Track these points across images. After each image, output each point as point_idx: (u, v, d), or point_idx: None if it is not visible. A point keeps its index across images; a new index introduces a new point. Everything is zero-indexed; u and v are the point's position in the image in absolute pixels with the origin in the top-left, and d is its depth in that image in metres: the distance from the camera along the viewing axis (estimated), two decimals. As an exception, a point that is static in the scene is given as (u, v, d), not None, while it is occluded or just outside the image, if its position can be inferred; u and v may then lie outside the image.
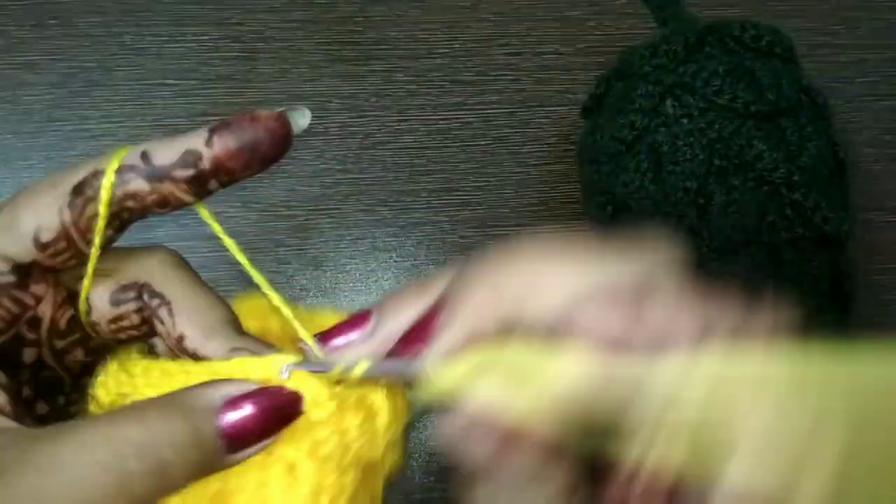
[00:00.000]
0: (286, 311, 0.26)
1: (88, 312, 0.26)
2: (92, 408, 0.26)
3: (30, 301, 0.25)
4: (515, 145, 0.48)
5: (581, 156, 0.45)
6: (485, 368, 0.22)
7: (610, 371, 0.21)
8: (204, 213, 0.26)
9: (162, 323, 0.25)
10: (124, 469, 0.21)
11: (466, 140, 0.48)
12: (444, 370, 0.23)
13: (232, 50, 0.48)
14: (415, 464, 0.46)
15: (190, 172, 0.24)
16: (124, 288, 0.26)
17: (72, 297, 0.26)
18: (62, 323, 0.26)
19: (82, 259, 0.25)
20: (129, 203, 0.24)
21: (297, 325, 0.26)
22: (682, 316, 0.21)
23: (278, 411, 0.24)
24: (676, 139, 0.40)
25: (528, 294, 0.23)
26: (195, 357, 0.25)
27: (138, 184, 0.24)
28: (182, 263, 0.27)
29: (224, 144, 0.24)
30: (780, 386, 0.20)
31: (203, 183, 0.24)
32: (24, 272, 0.25)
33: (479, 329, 0.23)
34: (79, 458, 0.21)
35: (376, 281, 0.47)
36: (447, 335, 0.23)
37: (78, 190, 0.24)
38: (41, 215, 0.24)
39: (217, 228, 0.26)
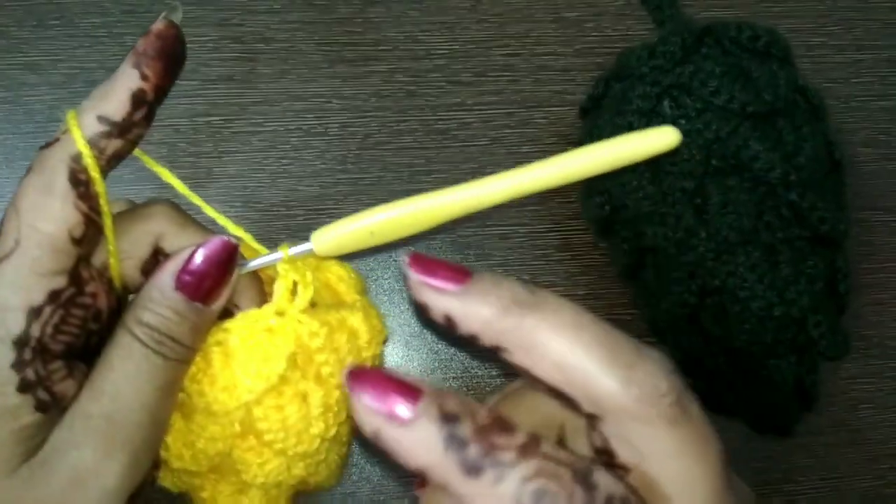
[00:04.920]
0: (215, 214, 0.31)
1: (126, 287, 0.31)
2: None
3: (90, 301, 0.29)
4: (514, 145, 0.48)
5: (579, 156, 0.45)
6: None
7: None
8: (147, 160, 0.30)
9: None
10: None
11: (465, 140, 0.48)
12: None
13: (232, 51, 0.48)
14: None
15: (144, 111, 0.28)
16: (146, 261, 0.31)
17: (108, 278, 0.30)
18: (113, 305, 0.30)
19: (99, 228, 0.29)
20: (113, 162, 0.28)
21: (229, 223, 0.31)
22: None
23: (217, 256, 0.29)
24: (673, 139, 0.40)
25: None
26: None
27: (114, 144, 0.28)
28: (178, 214, 0.31)
29: (156, 70, 0.28)
30: None
31: (153, 112, 0.29)
32: (76, 276, 0.28)
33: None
34: None
35: (376, 280, 0.47)
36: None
37: (75, 180, 0.27)
38: (65, 219, 0.27)
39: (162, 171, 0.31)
